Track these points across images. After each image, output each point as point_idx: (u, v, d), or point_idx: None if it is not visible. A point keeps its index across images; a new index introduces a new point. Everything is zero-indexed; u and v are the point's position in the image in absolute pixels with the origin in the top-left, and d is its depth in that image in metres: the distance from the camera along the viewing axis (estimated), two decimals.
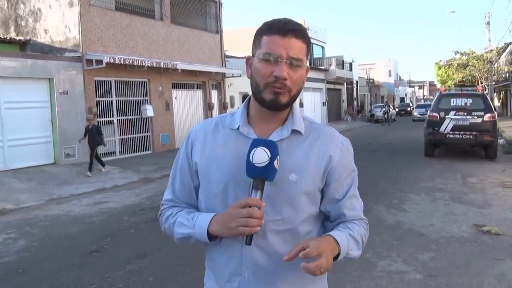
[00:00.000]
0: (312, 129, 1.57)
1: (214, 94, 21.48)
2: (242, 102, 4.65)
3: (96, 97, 14.98)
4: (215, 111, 21.28)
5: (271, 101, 1.44)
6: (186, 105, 19.60)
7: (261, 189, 1.38)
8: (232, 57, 31.17)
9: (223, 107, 21.79)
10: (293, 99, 1.49)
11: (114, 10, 15.84)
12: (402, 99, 73.40)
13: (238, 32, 38.66)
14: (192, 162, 1.56)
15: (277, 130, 1.52)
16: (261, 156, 1.36)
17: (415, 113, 39.89)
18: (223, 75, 21.90)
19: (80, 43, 14.37)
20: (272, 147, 1.39)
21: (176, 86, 18.83)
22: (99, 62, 14.10)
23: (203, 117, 20.55)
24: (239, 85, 22.99)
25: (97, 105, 14.89)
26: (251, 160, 1.37)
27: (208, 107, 20.64)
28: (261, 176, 1.37)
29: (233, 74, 22.21)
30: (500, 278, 4.61)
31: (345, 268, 4.94)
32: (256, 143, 1.40)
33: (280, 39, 1.41)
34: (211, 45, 21.28)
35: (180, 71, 17.39)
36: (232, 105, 22.66)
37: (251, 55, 1.54)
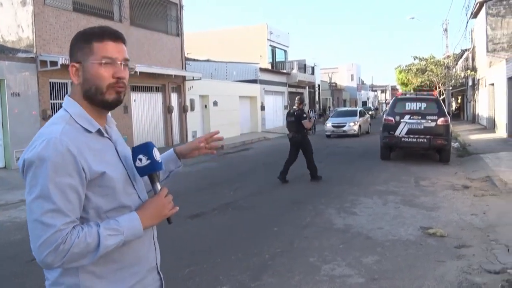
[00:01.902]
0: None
1: (174, 97, 21.33)
2: (296, 106, 10.34)
3: (51, 99, 14.62)
4: (175, 114, 21.12)
5: (114, 100, 1.65)
6: (145, 108, 19.38)
7: (159, 180, 1.75)
8: (193, 60, 31.10)
9: (183, 110, 21.64)
10: (125, 95, 1.71)
11: (71, 11, 15.52)
12: (364, 103, 74.67)
13: (199, 36, 38.65)
14: (85, 174, 1.55)
15: (107, 127, 1.75)
16: (158, 154, 1.71)
17: (329, 124, 26.25)
18: (183, 78, 21.77)
19: (33, 44, 14.00)
20: (146, 148, 1.70)
21: (135, 88, 18.59)
22: (54, 63, 13.77)
23: (163, 120, 20.36)
24: (199, 88, 22.92)
25: (51, 108, 14.52)
26: (155, 158, 1.68)
27: (168, 110, 20.46)
28: (154, 171, 1.71)
29: (193, 77, 22.11)
30: (439, 279, 4.71)
31: (287, 273, 4.96)
32: (136, 151, 1.69)
33: (114, 45, 1.64)
34: (172, 48, 21.13)
35: (139, 73, 17.17)
36: (192, 108, 22.54)
37: (74, 63, 1.66)
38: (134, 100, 18.53)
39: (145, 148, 1.68)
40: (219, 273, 5.07)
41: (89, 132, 1.62)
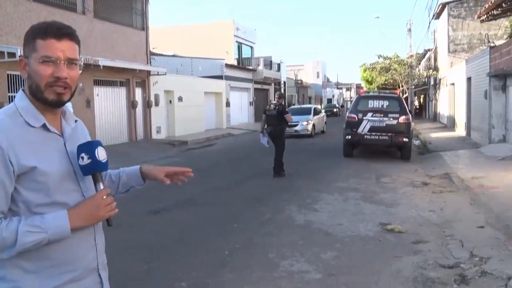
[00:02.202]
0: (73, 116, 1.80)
1: (138, 92, 20.98)
2: (276, 101, 10.74)
3: (9, 92, 14.15)
4: (139, 109, 20.80)
5: (54, 100, 1.62)
6: (108, 102, 19.00)
7: (102, 180, 1.70)
8: (158, 54, 30.70)
9: (147, 105, 21.33)
10: (73, 94, 1.68)
11: (31, 1, 15.03)
12: (329, 100, 75.46)
13: (165, 30, 38.21)
14: (13, 167, 1.53)
15: (64, 123, 1.73)
16: (103, 153, 1.70)
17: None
18: (148, 73, 21.45)
19: None
20: (90, 146, 1.67)
21: (98, 82, 18.20)
22: (12, 55, 13.30)
23: (127, 115, 20.02)
24: (164, 83, 22.64)
25: (9, 101, 14.04)
26: (97, 157, 1.66)
27: (132, 105, 20.13)
28: (96, 171, 1.68)
29: (158, 72, 21.82)
30: (395, 275, 4.77)
31: (246, 269, 4.94)
32: (80, 149, 1.66)
33: (56, 43, 1.59)
34: (136, 42, 20.77)
35: (102, 67, 16.80)
36: (157, 104, 22.24)
37: (23, 57, 1.65)
38: (97, 95, 18.15)
39: (88, 147, 1.66)
40: (177, 269, 5.01)
41: (32, 126, 1.59)
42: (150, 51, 22.48)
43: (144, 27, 21.37)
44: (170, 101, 23.91)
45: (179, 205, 8.15)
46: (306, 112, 24.45)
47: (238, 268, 5.01)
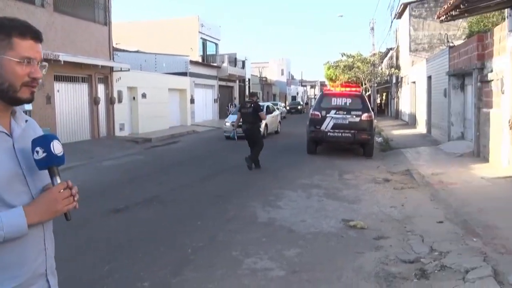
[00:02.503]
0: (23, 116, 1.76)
1: (100, 88, 20.52)
2: (250, 99, 11.34)
3: None
4: (102, 106, 20.38)
5: (28, 99, 1.63)
6: (70, 98, 18.51)
7: (58, 174, 1.65)
8: (122, 50, 30.16)
9: (110, 102, 20.92)
10: None
11: None
12: (293, 98, 75.87)
13: (129, 26, 37.57)
14: None
15: (14, 123, 1.68)
16: (58, 146, 1.65)
17: (228, 122, 20.85)
18: (111, 69, 21.01)
19: None
20: (44, 140, 1.63)
21: (58, 78, 17.69)
22: None
23: (89, 111, 19.58)
24: (128, 80, 22.26)
25: None
26: (52, 150, 1.61)
27: (94, 101, 19.68)
28: (51, 164, 1.63)
29: (121, 68, 21.42)
30: (358, 270, 4.82)
31: (209, 267, 4.90)
32: (34, 143, 1.62)
33: (35, 45, 1.63)
34: (99, 37, 20.31)
35: (63, 62, 16.36)
36: (120, 100, 21.83)
37: None
38: (58, 91, 17.66)
39: (43, 140, 1.63)
40: (140, 269, 4.92)
41: None
42: (113, 47, 22.03)
43: (107, 22, 20.92)
44: (134, 98, 23.55)
45: (142, 203, 8.02)
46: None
47: (201, 267, 4.96)
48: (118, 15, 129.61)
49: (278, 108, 41.02)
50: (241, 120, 12.27)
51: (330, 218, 6.97)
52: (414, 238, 5.89)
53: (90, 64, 18.67)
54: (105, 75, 20.65)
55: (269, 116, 20.97)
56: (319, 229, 6.35)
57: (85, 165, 12.84)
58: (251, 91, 14.34)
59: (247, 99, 12.65)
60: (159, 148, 17.91)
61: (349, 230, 6.30)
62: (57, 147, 1.64)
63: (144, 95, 24.09)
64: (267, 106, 22.98)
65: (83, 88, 19.41)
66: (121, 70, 21.48)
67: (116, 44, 30.08)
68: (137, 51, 32.34)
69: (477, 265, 4.64)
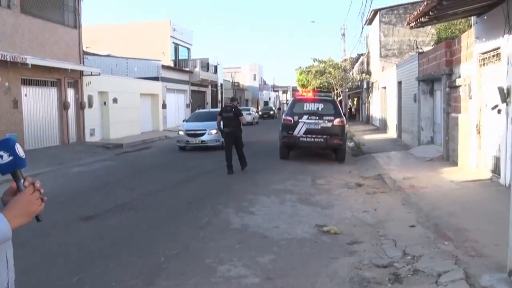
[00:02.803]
0: None
1: (70, 93, 20.15)
2: (228, 103, 12.63)
3: None
4: (71, 110, 20.01)
5: None
6: (38, 103, 18.11)
7: (22, 176, 1.63)
8: (92, 54, 29.74)
9: (80, 106, 20.55)
10: None
11: None
12: (266, 103, 76.12)
13: (100, 29, 37.08)
14: None
15: None
16: (21, 149, 1.62)
17: (182, 131, 18.84)
18: (81, 73, 20.67)
19: None
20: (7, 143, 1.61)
21: (26, 82, 17.29)
22: None
23: (58, 116, 19.18)
24: (98, 84, 21.94)
25: None
26: (18, 154, 1.59)
27: (64, 106, 19.30)
28: (17, 168, 1.62)
29: (91, 73, 21.09)
30: (332, 276, 4.81)
31: (183, 275, 4.82)
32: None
33: None
34: (68, 40, 19.95)
35: (30, 66, 16.00)
36: (90, 105, 21.47)
37: None
38: (25, 95, 17.25)
39: (6, 144, 1.60)
40: (111, 279, 4.81)
41: None
42: (83, 50, 21.69)
43: (77, 25, 20.58)
44: (105, 103, 23.21)
45: (113, 210, 7.87)
46: (213, 117, 16.24)
47: (174, 275, 4.87)
48: (89, 18, 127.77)
49: (250, 113, 41.36)
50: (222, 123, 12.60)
51: (304, 223, 6.96)
52: (387, 242, 5.92)
53: (59, 68, 18.32)
54: (75, 79, 20.30)
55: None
56: (293, 235, 6.33)
57: (54, 171, 12.57)
58: (231, 96, 14.99)
59: (228, 104, 13.33)
60: (130, 153, 17.67)
61: (323, 236, 6.30)
62: (21, 150, 1.61)
63: (115, 100, 23.78)
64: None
65: (52, 92, 19.02)
66: (91, 74, 21.16)
67: (86, 47, 29.61)
68: (108, 55, 31.94)
69: (449, 269, 4.68)
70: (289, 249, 5.72)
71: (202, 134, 17.80)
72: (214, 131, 17.33)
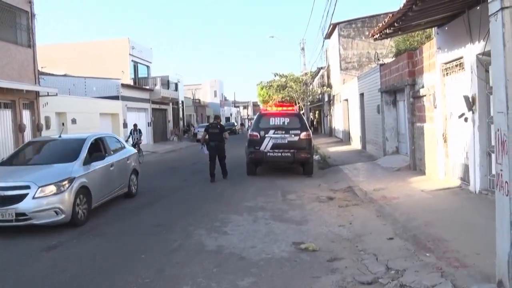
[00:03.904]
0: None
1: (26, 115, 19.36)
2: (214, 121, 14.04)
3: None
4: (27, 133, 19.23)
5: None
6: None
7: None
8: (48, 74, 28.89)
9: (37, 128, 19.78)
10: None
11: None
12: (227, 119, 75.93)
13: (56, 48, 36.16)
14: None
15: None
16: None
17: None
18: (37, 94, 19.92)
19: None
20: None
21: None
22: None
23: (13, 139, 18.39)
24: (55, 105, 21.25)
25: None
26: None
27: (19, 128, 18.51)
28: None
29: (48, 93, 20.39)
30: None
31: None
32: None
33: None
34: (22, 60, 19.21)
35: None
36: (48, 127, 20.73)
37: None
38: None
39: None
40: None
41: None
42: (38, 70, 20.94)
43: (31, 44, 19.86)
44: (63, 124, 22.46)
45: (78, 238, 7.43)
46: (64, 155, 9.20)
47: None
48: (43, 37, 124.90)
49: None
50: (207, 137, 14.14)
51: (280, 241, 6.75)
52: (368, 257, 5.78)
53: (13, 88, 17.59)
54: (31, 100, 19.56)
55: (96, 169, 9.48)
56: (271, 255, 6.10)
57: None
58: (216, 114, 17.05)
59: (213, 121, 15.27)
60: None
61: (301, 254, 6.10)
62: None
63: (74, 121, 23.12)
64: (96, 141, 10.09)
65: (6, 114, 18.24)
66: (48, 95, 20.47)
67: (42, 67, 28.71)
68: (65, 75, 31.14)
69: (436, 282, 4.57)
70: (269, 270, 5.49)
71: (17, 198, 7.65)
72: (50, 189, 7.86)
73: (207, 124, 16.60)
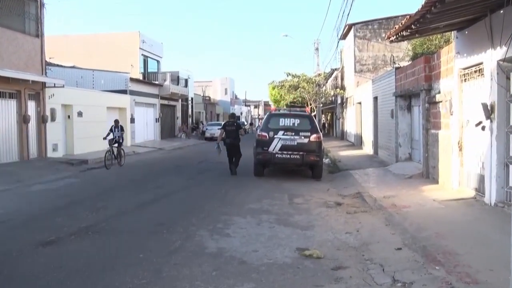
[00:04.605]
0: None
1: (31, 106, 19.44)
2: (230, 119, 16.29)
3: None
4: (32, 124, 19.30)
5: None
6: None
7: None
8: (56, 65, 29.01)
9: (42, 120, 19.84)
10: None
11: None
12: (238, 118, 75.94)
13: (65, 39, 36.36)
14: None
15: None
16: None
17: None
18: (43, 85, 19.99)
19: None
20: None
21: None
22: None
23: (17, 130, 18.46)
24: (62, 97, 21.28)
25: None
26: None
27: (23, 119, 18.58)
28: None
29: (54, 84, 20.46)
30: None
31: None
32: None
33: None
34: (29, 49, 19.30)
35: None
36: (53, 119, 20.75)
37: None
38: None
39: None
40: None
41: None
42: (45, 61, 21.03)
43: (39, 34, 19.93)
44: (69, 116, 22.55)
45: (76, 234, 7.37)
46: None
47: None
48: (52, 27, 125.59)
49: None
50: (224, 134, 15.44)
51: (284, 247, 6.65)
52: (374, 267, 5.66)
53: (18, 78, 17.68)
54: (37, 91, 19.63)
55: None
56: (273, 260, 6.00)
57: (11, 190, 11.95)
58: (232, 113, 19.37)
59: (230, 119, 16.33)
60: (96, 170, 17.08)
61: (305, 260, 5.99)
62: None
63: (80, 114, 23.14)
64: None
65: (11, 104, 18.31)
66: (54, 86, 20.53)
67: (50, 58, 28.87)
68: (73, 67, 31.23)
69: None
70: (270, 276, 5.38)
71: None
72: None
73: (224, 122, 17.50)
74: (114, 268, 5.66)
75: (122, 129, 19.01)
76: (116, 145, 18.45)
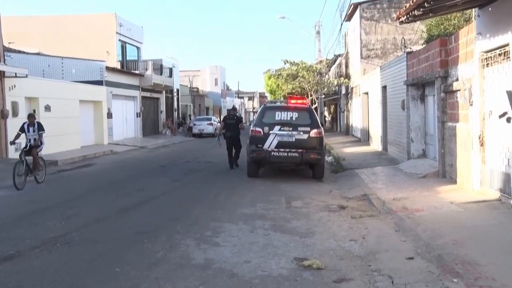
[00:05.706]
0: None
1: None
2: (231, 112, 18.73)
3: None
4: None
5: None
6: None
7: None
8: (17, 51, 28.89)
9: (1, 115, 19.67)
10: None
11: None
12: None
13: (27, 21, 36.17)
14: None
15: None
16: None
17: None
18: (2, 74, 19.84)
19: None
20: None
21: None
22: None
23: None
24: (25, 89, 21.15)
25: None
26: None
27: None
28: None
29: (16, 74, 20.31)
30: None
31: None
32: None
33: None
34: None
35: None
36: (15, 114, 20.58)
37: None
38: None
39: None
40: None
41: None
42: (4, 46, 20.86)
43: None
44: (34, 111, 22.40)
45: (42, 246, 7.32)
46: None
47: None
48: (11, 6, 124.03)
49: (212, 124, 41.28)
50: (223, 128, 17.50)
51: (280, 256, 6.64)
52: (382, 279, 5.65)
53: None
54: None
55: None
56: (268, 272, 5.98)
57: None
58: (233, 105, 22.46)
59: (231, 113, 18.42)
60: (67, 172, 17.04)
61: (304, 272, 5.99)
62: None
63: (47, 108, 23.04)
64: None
65: None
66: (16, 76, 20.36)
67: (9, 43, 28.72)
68: (38, 53, 31.13)
69: None
70: None
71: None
72: None
73: (224, 115, 19.39)
74: (84, 285, 5.61)
75: (41, 127, 14.53)
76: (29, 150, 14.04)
